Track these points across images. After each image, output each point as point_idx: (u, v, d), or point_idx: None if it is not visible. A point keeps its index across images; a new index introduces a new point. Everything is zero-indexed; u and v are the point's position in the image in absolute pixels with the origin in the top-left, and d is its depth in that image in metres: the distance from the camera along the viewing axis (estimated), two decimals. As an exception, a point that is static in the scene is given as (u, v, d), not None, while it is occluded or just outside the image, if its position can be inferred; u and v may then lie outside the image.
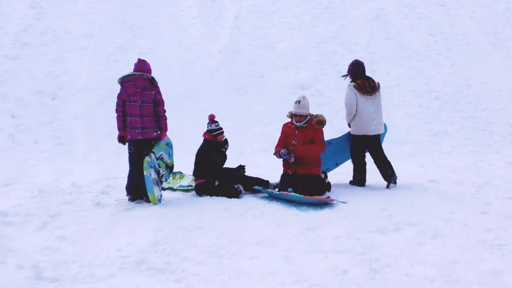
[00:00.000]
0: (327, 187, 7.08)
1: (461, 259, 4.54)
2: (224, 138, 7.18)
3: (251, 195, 7.00)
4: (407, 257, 4.62)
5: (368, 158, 7.63)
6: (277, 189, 6.95)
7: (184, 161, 8.16)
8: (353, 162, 7.61)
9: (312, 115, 7.11)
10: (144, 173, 6.22)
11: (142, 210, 6.12)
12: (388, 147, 9.68)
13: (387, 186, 7.32)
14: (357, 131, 7.46)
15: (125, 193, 6.64)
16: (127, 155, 6.72)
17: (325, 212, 6.08)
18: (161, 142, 6.61)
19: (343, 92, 8.15)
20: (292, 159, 6.95)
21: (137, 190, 6.50)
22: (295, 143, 7.02)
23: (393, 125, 10.73)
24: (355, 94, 7.36)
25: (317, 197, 6.60)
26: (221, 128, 7.12)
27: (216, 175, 6.95)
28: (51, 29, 12.65)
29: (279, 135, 7.35)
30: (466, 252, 4.71)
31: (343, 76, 7.85)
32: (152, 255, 4.70)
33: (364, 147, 7.52)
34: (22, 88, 10.74)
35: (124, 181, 6.79)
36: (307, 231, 5.35)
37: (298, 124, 7.05)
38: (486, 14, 15.36)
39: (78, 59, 11.95)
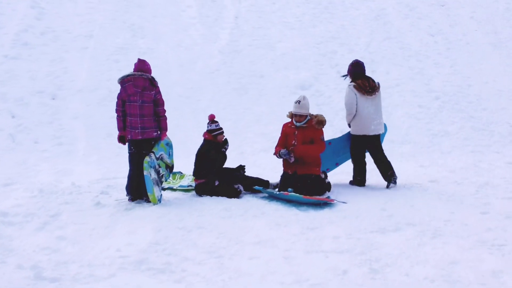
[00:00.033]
0: (327, 187, 7.08)
1: (461, 259, 4.54)
2: (224, 138, 7.18)
3: (251, 195, 7.00)
4: (407, 257, 4.62)
5: (368, 158, 7.63)
6: (277, 189, 6.95)
7: (184, 161, 8.16)
8: (353, 162, 7.61)
9: (312, 115, 7.11)
10: (144, 173, 6.22)
11: (142, 210, 6.12)
12: (388, 147, 9.68)
13: (387, 186, 7.32)
14: (357, 131, 7.46)
15: (125, 193, 6.64)
16: (127, 155, 6.73)
17: (325, 212, 6.08)
18: (161, 142, 6.61)
19: (343, 92, 8.15)
20: (292, 159, 6.95)
21: (137, 190, 6.50)
22: (295, 143, 7.02)
23: (393, 125, 10.72)
24: (355, 94, 7.36)
25: (317, 197, 6.61)
26: (221, 128, 7.12)
27: (216, 175, 6.95)
28: (51, 29, 12.65)
29: (279, 135, 7.35)
30: (466, 252, 4.72)
31: (343, 76, 7.85)
32: (152, 255, 4.70)
33: (364, 147, 7.52)
34: (22, 88, 10.74)
35: (124, 181, 6.79)
36: (307, 231, 5.35)
37: (298, 124, 7.05)
38: (486, 14, 15.35)
39: (78, 59, 11.95)
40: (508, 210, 6.09)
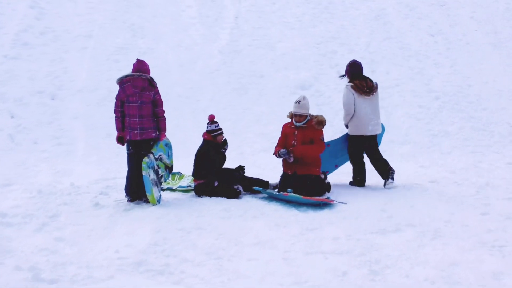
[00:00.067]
0: (327, 187, 7.06)
1: (462, 261, 4.52)
2: (224, 138, 7.16)
3: (251, 195, 6.98)
4: (407, 259, 4.60)
5: (366, 159, 7.61)
6: (276, 190, 6.93)
7: (184, 161, 8.13)
8: (352, 162, 7.60)
9: (312, 115, 7.09)
10: (143, 174, 6.20)
11: (141, 211, 6.10)
12: (388, 147, 9.68)
13: (385, 184, 7.31)
14: (355, 131, 7.46)
15: (124, 194, 6.62)
16: (126, 155, 6.70)
17: (324, 213, 6.06)
18: (160, 142, 6.59)
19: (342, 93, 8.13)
20: (291, 159, 6.93)
21: (136, 191, 6.48)
22: (295, 143, 7.00)
23: (393, 125, 10.71)
24: (353, 95, 7.36)
25: (317, 197, 6.59)
26: (220, 129, 7.10)
27: (216, 175, 6.94)
28: (51, 29, 12.63)
29: (279, 136, 7.34)
30: (466, 253, 4.70)
31: (341, 76, 7.83)
32: (151, 256, 4.68)
33: (361, 147, 7.51)
34: (21, 88, 10.72)
35: (124, 182, 6.77)
36: (307, 232, 5.33)
37: (298, 124, 7.04)
38: (486, 14, 15.32)
39: (78, 59, 11.93)
40: (508, 211, 6.07)
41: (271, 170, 8.28)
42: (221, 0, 14.92)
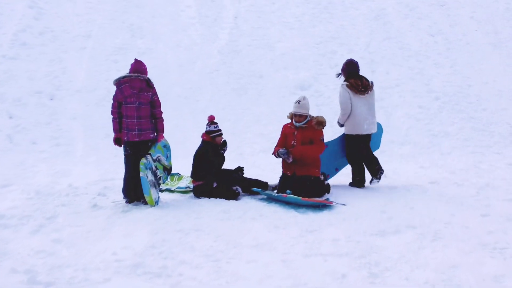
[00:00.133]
0: (326, 188, 7.02)
1: (462, 263, 4.48)
2: (223, 140, 7.12)
3: (250, 197, 6.95)
4: (407, 261, 4.56)
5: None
6: (275, 191, 6.89)
7: (183, 162, 8.10)
8: (350, 162, 7.57)
9: (312, 116, 7.06)
10: (141, 175, 6.16)
11: (139, 212, 6.06)
12: (388, 148, 9.66)
13: (371, 181, 7.37)
14: (351, 130, 7.45)
15: (122, 195, 6.58)
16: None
17: (324, 214, 6.02)
18: (158, 144, 6.55)
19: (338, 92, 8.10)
20: (290, 160, 6.89)
21: (134, 192, 6.44)
22: (294, 143, 6.97)
23: (393, 126, 10.67)
24: (348, 93, 7.35)
25: (316, 199, 6.55)
26: (220, 130, 7.06)
27: (214, 176, 6.89)
28: (49, 29, 12.61)
29: (279, 136, 7.30)
30: (466, 255, 4.66)
31: (338, 74, 7.81)
32: (149, 258, 4.64)
33: (358, 146, 7.48)
34: (20, 89, 10.69)
35: (122, 183, 6.72)
36: (306, 234, 5.29)
37: (297, 124, 7.01)
38: (486, 14, 15.29)
39: (77, 59, 11.91)
40: (509, 212, 6.03)
41: (270, 171, 8.24)
42: (220, 0, 14.89)
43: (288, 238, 5.17)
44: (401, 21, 14.68)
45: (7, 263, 4.54)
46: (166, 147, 6.71)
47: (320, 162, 7.04)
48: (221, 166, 7.07)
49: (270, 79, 12.10)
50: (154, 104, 6.47)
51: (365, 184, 7.51)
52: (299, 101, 7.00)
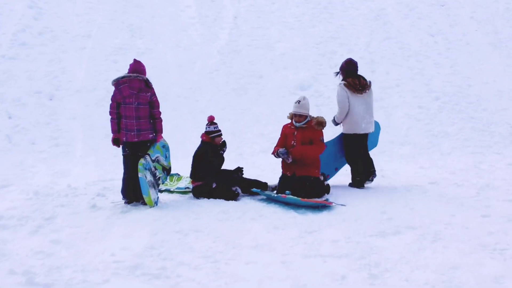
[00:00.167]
0: (326, 189, 7.01)
1: (462, 264, 4.46)
2: (222, 140, 7.10)
3: (249, 197, 6.93)
4: (407, 262, 4.54)
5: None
6: (275, 192, 6.87)
7: (182, 162, 8.08)
8: (349, 162, 7.55)
9: (312, 116, 7.05)
10: (139, 175, 6.13)
11: (138, 213, 6.04)
12: (387, 148, 9.65)
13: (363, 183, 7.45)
14: (348, 130, 7.45)
15: (121, 196, 6.56)
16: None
17: (323, 215, 6.00)
18: (157, 144, 6.52)
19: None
20: (290, 160, 6.88)
21: (133, 193, 6.42)
22: (294, 143, 6.95)
23: (393, 126, 10.65)
24: (346, 92, 7.34)
25: (316, 199, 6.53)
26: (219, 130, 7.04)
27: (214, 177, 6.88)
28: (49, 29, 12.60)
29: (279, 136, 7.29)
30: (467, 256, 4.64)
31: (336, 73, 7.80)
32: (147, 259, 4.62)
33: (356, 145, 7.47)
34: (19, 89, 10.69)
35: (120, 183, 6.71)
36: (305, 235, 5.27)
37: (297, 124, 6.99)
38: (486, 14, 15.26)
39: (76, 59, 11.89)
40: (509, 212, 6.01)
41: (270, 171, 8.23)
42: (220, 0, 14.87)
43: (287, 239, 5.15)
44: (401, 21, 14.66)
45: (5, 264, 4.52)
46: (165, 148, 6.69)
47: (320, 163, 7.03)
48: (221, 167, 7.06)
49: (270, 79, 12.09)
50: (153, 105, 6.45)
51: (367, 185, 7.49)
52: (299, 101, 6.99)
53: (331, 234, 5.27)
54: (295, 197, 6.39)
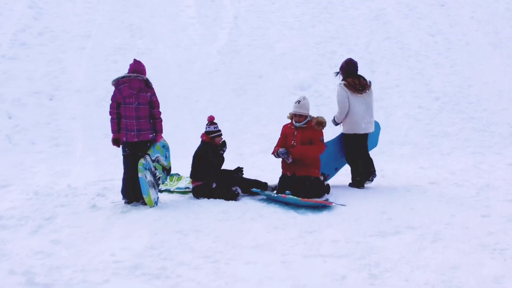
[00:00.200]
0: (326, 189, 7.01)
1: (462, 264, 4.46)
2: (222, 140, 7.10)
3: (249, 197, 6.93)
4: (407, 262, 4.54)
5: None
6: (275, 192, 6.87)
7: (182, 162, 8.08)
8: (349, 162, 7.55)
9: (312, 116, 7.05)
10: (139, 175, 6.13)
11: (138, 213, 6.04)
12: (387, 148, 9.64)
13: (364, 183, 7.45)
14: (348, 129, 7.45)
15: (121, 196, 6.55)
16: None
17: (323, 215, 6.00)
18: (156, 144, 6.52)
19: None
20: (290, 160, 6.88)
21: (133, 193, 6.41)
22: (294, 143, 6.95)
23: (393, 126, 10.65)
24: (346, 92, 7.35)
25: (316, 199, 6.52)
26: (219, 130, 7.04)
27: (214, 177, 6.87)
28: (49, 29, 12.60)
29: (279, 136, 7.29)
30: (467, 256, 4.64)
31: (336, 73, 7.80)
32: (147, 259, 4.62)
33: (356, 145, 7.47)
34: (19, 89, 10.68)
35: (120, 183, 6.70)
36: (305, 235, 5.27)
37: (297, 124, 6.99)
38: (486, 14, 15.27)
39: (76, 60, 11.89)
40: (509, 213, 6.00)
41: (270, 171, 8.22)
42: (220, 0, 14.87)
43: (287, 239, 5.14)
44: (401, 21, 14.66)
45: (5, 264, 4.52)
46: (165, 147, 6.68)
47: (320, 163, 7.03)
48: (221, 167, 7.05)
49: (269, 79, 12.08)
50: (153, 105, 6.45)
51: (367, 185, 7.49)
52: (299, 101, 6.99)
53: (331, 234, 5.27)
54: (295, 197, 6.39)
